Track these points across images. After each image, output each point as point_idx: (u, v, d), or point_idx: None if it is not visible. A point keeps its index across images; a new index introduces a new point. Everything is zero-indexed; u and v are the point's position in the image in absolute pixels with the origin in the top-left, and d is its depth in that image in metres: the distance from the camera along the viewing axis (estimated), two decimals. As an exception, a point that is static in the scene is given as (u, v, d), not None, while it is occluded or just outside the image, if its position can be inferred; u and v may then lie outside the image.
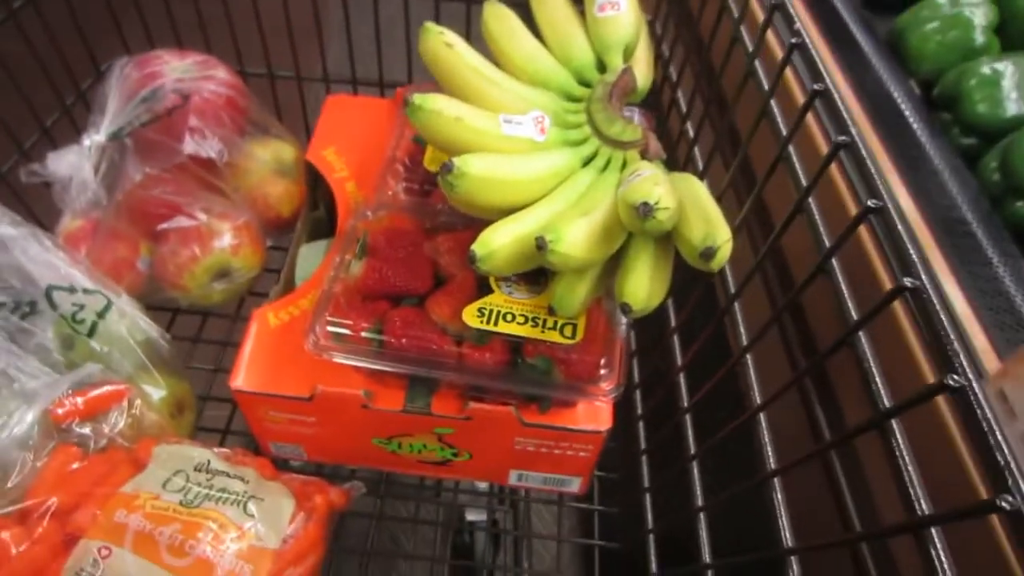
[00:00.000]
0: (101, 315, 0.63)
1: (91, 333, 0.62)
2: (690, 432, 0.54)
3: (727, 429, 0.44)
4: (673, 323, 0.60)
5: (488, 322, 0.52)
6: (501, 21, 0.59)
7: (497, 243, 0.47)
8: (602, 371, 0.52)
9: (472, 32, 0.65)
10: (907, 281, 0.28)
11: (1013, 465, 0.21)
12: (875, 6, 0.81)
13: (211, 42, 0.77)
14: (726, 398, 0.47)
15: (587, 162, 0.53)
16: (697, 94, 0.64)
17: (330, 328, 0.53)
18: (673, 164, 0.60)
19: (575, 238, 0.44)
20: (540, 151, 0.51)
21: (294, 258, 0.69)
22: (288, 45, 0.77)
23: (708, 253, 0.43)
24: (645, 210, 0.41)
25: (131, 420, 0.60)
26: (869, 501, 0.37)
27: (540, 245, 0.44)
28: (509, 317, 0.53)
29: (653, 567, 0.59)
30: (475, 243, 0.47)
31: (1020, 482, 0.21)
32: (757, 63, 0.50)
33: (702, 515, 0.49)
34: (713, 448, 0.49)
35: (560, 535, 0.72)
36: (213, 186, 0.72)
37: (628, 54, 0.57)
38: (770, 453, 0.41)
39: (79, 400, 0.57)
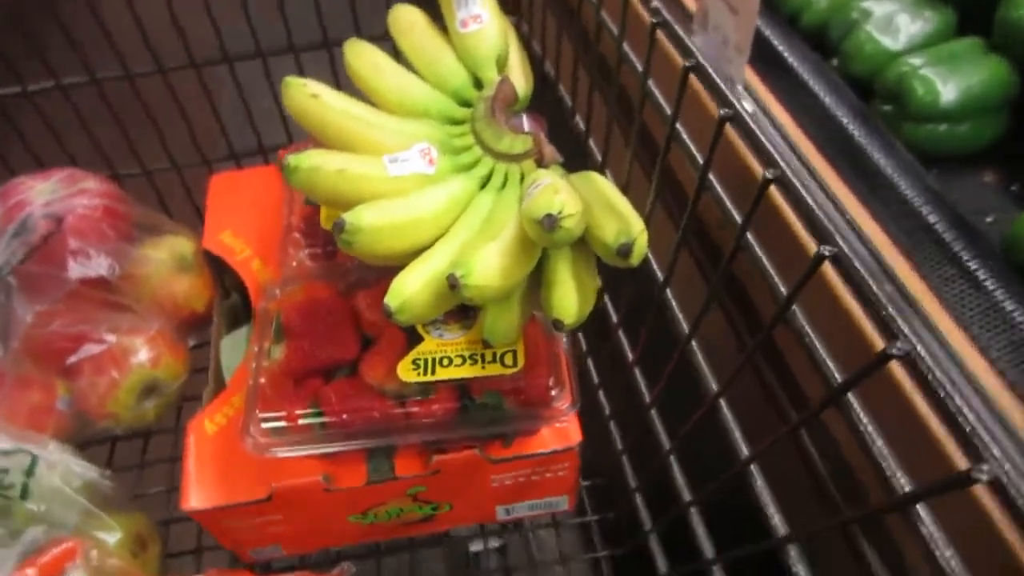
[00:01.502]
0: (29, 473, 0.59)
1: (24, 495, 0.58)
2: (660, 427, 0.52)
3: (691, 422, 0.42)
4: (615, 319, 0.58)
5: (426, 372, 0.49)
6: (363, 58, 0.56)
7: (409, 290, 0.44)
8: (553, 392, 0.50)
9: (341, 79, 0.63)
10: (825, 249, 0.26)
11: (980, 429, 0.19)
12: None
13: (72, 151, 0.73)
14: (688, 384, 0.45)
15: (484, 183, 0.50)
16: (583, 83, 0.63)
17: (265, 424, 0.50)
18: (582, 160, 0.58)
19: (487, 267, 0.42)
20: (433, 183, 0.49)
21: (218, 354, 0.65)
22: (156, 135, 0.73)
23: (624, 250, 0.41)
24: (550, 223, 0.39)
25: (93, 571, 0.56)
26: (850, 474, 0.35)
27: (452, 283, 0.41)
28: (446, 362, 0.50)
29: (662, 568, 0.56)
30: (387, 295, 0.44)
31: (991, 447, 0.19)
32: (626, 46, 0.48)
33: (693, 510, 0.47)
34: (689, 436, 0.47)
35: (563, 555, 0.70)
36: (114, 303, 0.68)
37: (502, 64, 0.55)
38: (739, 438, 0.39)
39: (29, 572, 0.53)
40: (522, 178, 0.50)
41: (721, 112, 0.35)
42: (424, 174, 0.49)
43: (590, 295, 0.46)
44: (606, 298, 0.60)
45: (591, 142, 0.57)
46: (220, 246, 0.68)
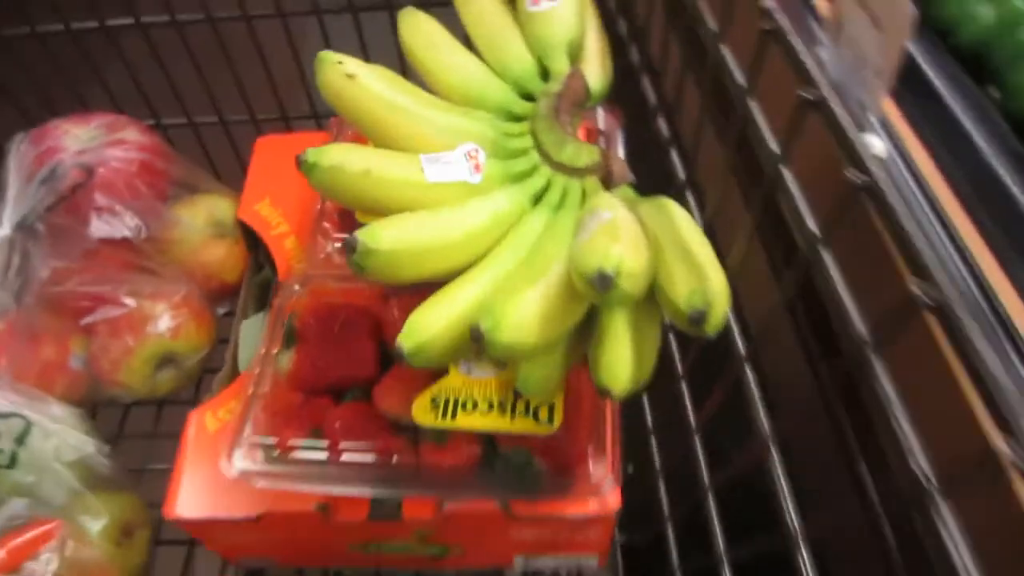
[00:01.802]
0: (20, 441, 0.55)
1: (12, 464, 0.54)
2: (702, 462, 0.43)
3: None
4: (679, 367, 0.49)
5: (444, 416, 0.42)
6: (418, 32, 0.48)
7: (428, 332, 0.36)
8: (592, 461, 0.42)
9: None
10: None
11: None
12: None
13: (119, 99, 0.68)
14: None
15: (538, 199, 0.42)
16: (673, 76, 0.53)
17: (251, 446, 0.43)
18: (660, 171, 0.49)
19: (521, 319, 0.34)
20: (477, 195, 0.41)
21: (237, 336, 0.60)
22: (203, 86, 0.67)
23: (697, 316, 0.32)
24: (603, 283, 0.30)
25: (66, 562, 0.52)
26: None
27: (475, 336, 0.33)
28: (470, 405, 0.43)
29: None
30: (401, 333, 0.37)
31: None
32: (728, 51, 0.39)
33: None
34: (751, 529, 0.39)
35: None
36: (138, 265, 0.63)
37: (574, 53, 0.46)
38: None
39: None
40: (583, 199, 0.41)
41: (848, 177, 0.26)
42: (467, 183, 0.41)
43: (649, 357, 0.38)
44: (671, 336, 0.51)
45: (674, 154, 0.48)
46: (255, 217, 0.62)
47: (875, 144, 0.30)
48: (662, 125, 0.49)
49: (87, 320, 0.62)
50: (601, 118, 0.54)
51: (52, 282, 0.60)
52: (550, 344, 0.36)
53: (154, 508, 0.60)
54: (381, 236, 0.36)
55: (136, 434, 0.68)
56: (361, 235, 0.36)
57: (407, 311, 0.46)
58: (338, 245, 0.52)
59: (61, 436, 0.56)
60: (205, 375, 0.70)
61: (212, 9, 0.62)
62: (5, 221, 0.61)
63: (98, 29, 0.62)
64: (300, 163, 0.39)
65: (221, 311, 0.70)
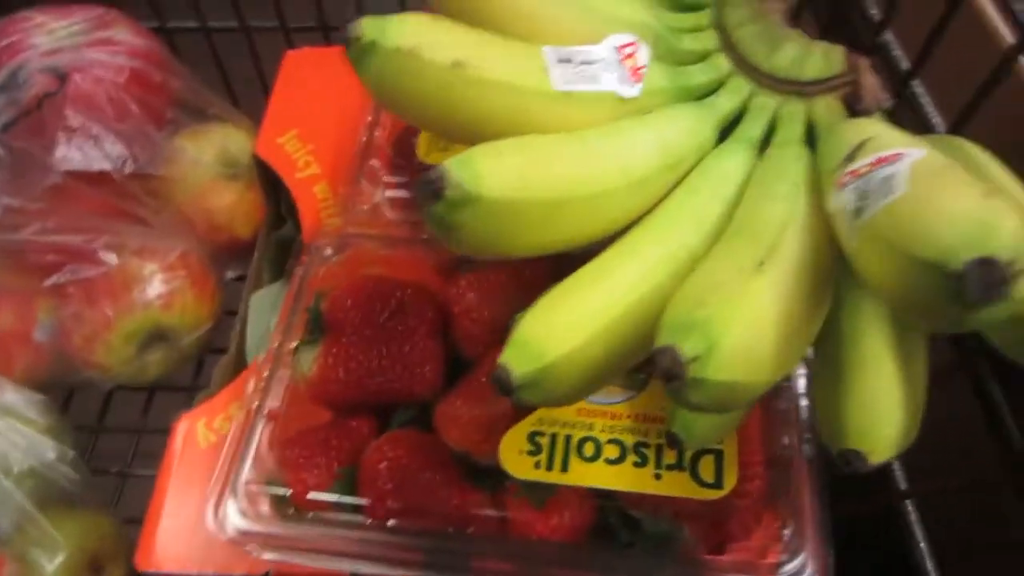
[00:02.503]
0: (-48, 445, 0.41)
1: (-64, 477, 0.40)
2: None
3: None
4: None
5: (552, 465, 0.27)
6: None
7: (556, 350, 0.21)
8: (785, 551, 0.26)
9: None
10: None
11: None
12: None
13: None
14: None
15: (727, 130, 0.26)
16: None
17: (255, 489, 0.28)
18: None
19: (753, 340, 0.18)
20: (635, 117, 0.24)
21: (246, 315, 0.45)
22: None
23: None
24: (985, 281, 0.14)
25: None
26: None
27: (668, 371, 0.17)
28: (590, 449, 0.27)
29: None
30: (506, 351, 0.21)
31: None
32: None
33: None
34: None
35: None
36: (121, 210, 0.48)
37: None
38: None
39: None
40: (809, 133, 0.25)
41: None
42: (618, 96, 0.25)
43: (920, 401, 0.22)
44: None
45: (920, 92, 0.31)
46: (277, 153, 0.47)
47: None
48: (891, 40, 0.32)
49: (54, 280, 0.47)
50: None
51: (5, 227, 0.45)
52: (773, 382, 0.20)
53: (134, 526, 0.45)
54: (486, 173, 0.20)
55: (119, 427, 0.54)
56: (453, 169, 0.20)
57: (493, 296, 0.31)
58: (389, 194, 0.36)
59: (9, 436, 0.42)
60: (209, 356, 0.55)
61: None
62: (-49, 140, 0.46)
63: None
64: (349, 43, 0.23)
65: (230, 275, 0.55)
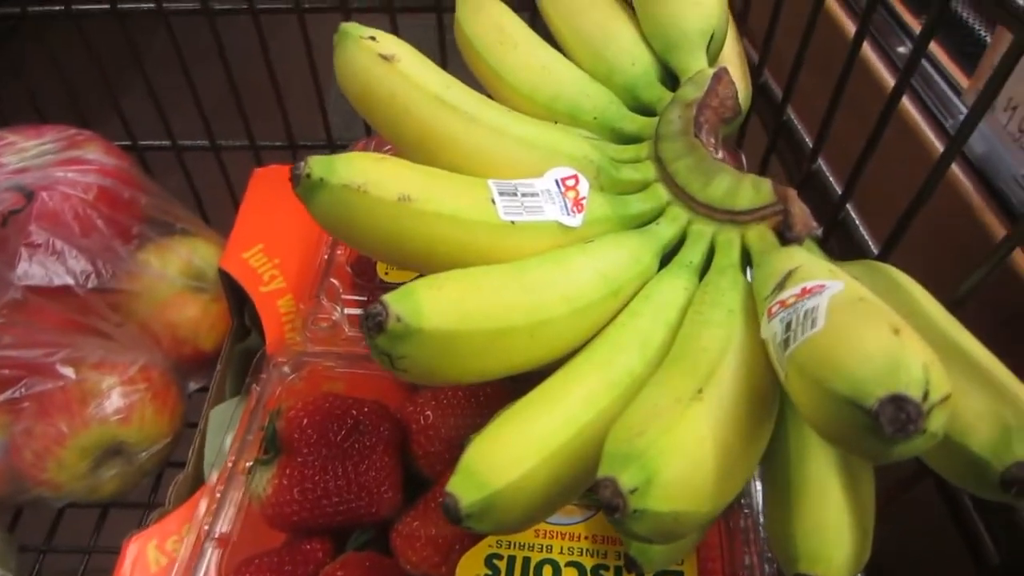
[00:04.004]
0: None
1: None
2: None
3: None
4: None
5: (507, 593, 0.26)
6: (484, 19, 0.34)
7: (503, 478, 0.21)
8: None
9: (450, 54, 0.41)
10: None
11: None
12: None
13: (91, 118, 0.54)
14: None
15: (668, 256, 0.27)
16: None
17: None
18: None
19: (690, 470, 0.18)
20: (577, 246, 0.26)
21: (205, 428, 0.44)
22: (194, 106, 0.53)
23: (1015, 476, 0.17)
24: (897, 419, 0.15)
25: None
26: None
27: (609, 502, 0.18)
28: (549, 572, 0.27)
29: None
30: (453, 479, 0.21)
31: None
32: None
33: None
34: None
35: None
36: (83, 325, 0.48)
37: (716, 49, 0.32)
38: None
39: None
40: (746, 259, 0.26)
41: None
42: (561, 225, 0.26)
43: (870, 521, 0.22)
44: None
45: (852, 212, 0.33)
46: (242, 267, 0.47)
47: None
48: (822, 168, 0.34)
49: (7, 395, 0.46)
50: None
51: (-37, 340, 0.45)
52: (716, 511, 0.20)
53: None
54: (427, 306, 0.21)
55: (69, 547, 0.52)
56: (393, 302, 0.20)
57: (451, 414, 0.31)
58: (349, 312, 0.36)
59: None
60: (168, 469, 0.53)
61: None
62: (-85, 256, 0.47)
63: (63, 13, 0.48)
64: (297, 179, 0.24)
65: (194, 386, 0.55)
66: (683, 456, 0.18)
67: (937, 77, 0.44)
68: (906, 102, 0.40)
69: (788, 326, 0.19)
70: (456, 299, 0.21)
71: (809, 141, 0.35)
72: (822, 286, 0.19)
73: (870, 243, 0.31)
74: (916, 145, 0.43)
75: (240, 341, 0.50)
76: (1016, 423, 0.18)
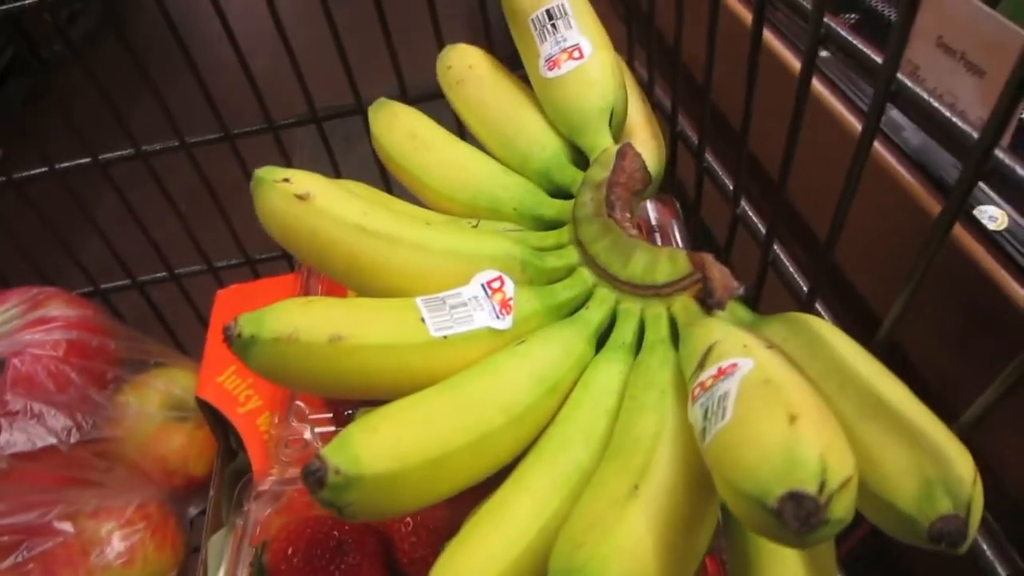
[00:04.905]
0: None
1: None
2: None
3: None
4: None
5: None
6: (395, 127, 0.35)
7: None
8: None
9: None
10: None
11: None
12: None
13: (47, 270, 0.55)
14: None
15: (602, 338, 0.28)
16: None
17: None
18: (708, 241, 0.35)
19: (636, 566, 0.19)
20: (508, 352, 0.26)
21: (206, 557, 0.45)
22: (142, 235, 0.54)
23: (944, 529, 0.18)
24: (803, 513, 0.16)
25: None
26: None
27: None
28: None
29: None
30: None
31: None
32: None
33: None
34: None
35: None
36: (72, 478, 0.48)
37: (618, 123, 0.33)
38: None
39: None
40: (672, 329, 0.27)
41: None
42: (492, 330, 0.27)
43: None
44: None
45: (779, 253, 0.33)
46: (218, 392, 0.48)
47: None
48: (748, 212, 0.35)
49: (10, 562, 0.46)
50: (651, 211, 0.40)
51: (-44, 518, 0.45)
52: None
53: None
54: (364, 453, 0.21)
55: None
56: (330, 455, 0.21)
57: (432, 515, 0.32)
58: (320, 430, 0.37)
59: None
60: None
61: (143, 139, 0.49)
62: None
63: (47, 174, 0.49)
64: (230, 340, 0.25)
65: (194, 511, 0.55)
66: (624, 561, 0.19)
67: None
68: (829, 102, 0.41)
69: (705, 414, 0.19)
70: (392, 439, 0.22)
71: (729, 184, 0.37)
72: (734, 366, 0.20)
73: (800, 282, 0.32)
74: (842, 139, 0.44)
75: (230, 462, 0.51)
76: (936, 475, 0.18)
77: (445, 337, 0.26)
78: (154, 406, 0.52)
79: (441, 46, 0.39)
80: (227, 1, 0.44)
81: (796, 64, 0.46)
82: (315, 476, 0.21)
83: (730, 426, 0.18)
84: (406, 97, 0.44)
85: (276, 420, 0.41)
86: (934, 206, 0.36)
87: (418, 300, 0.27)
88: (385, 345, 0.25)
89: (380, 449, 0.21)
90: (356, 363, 0.25)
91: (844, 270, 0.38)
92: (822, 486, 0.16)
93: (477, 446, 0.23)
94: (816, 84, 0.34)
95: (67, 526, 0.47)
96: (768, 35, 0.42)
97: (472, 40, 0.39)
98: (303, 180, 0.30)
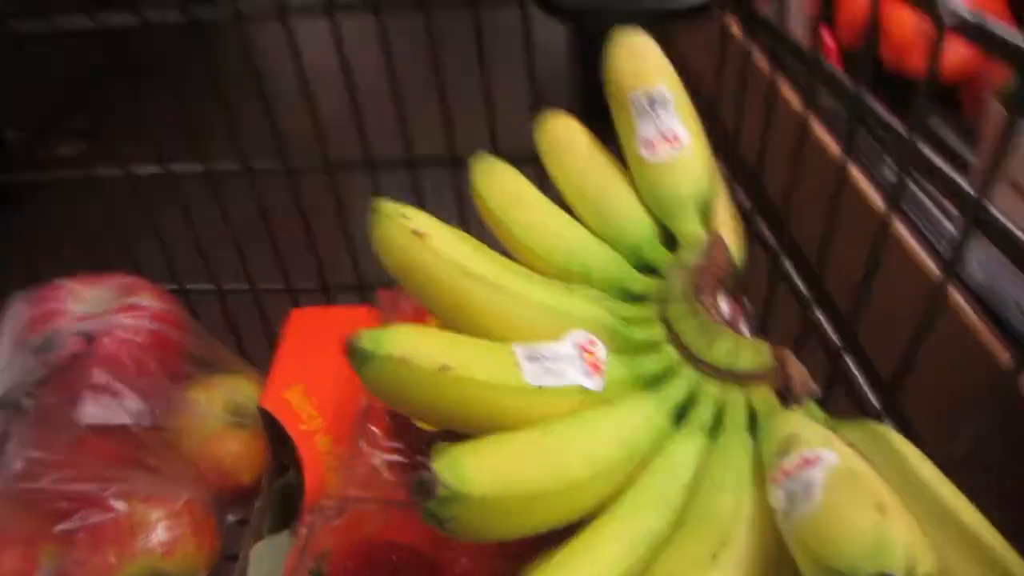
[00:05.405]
0: None
1: None
2: None
3: None
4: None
5: None
6: (497, 183, 0.38)
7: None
8: None
9: (468, 211, 0.45)
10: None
11: None
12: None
13: (144, 262, 0.59)
14: None
15: (680, 416, 0.30)
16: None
17: None
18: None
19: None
20: (596, 410, 0.29)
21: (245, 566, 0.46)
22: (234, 248, 0.58)
23: None
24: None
25: None
26: None
27: None
28: None
29: None
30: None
31: None
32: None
33: None
34: None
35: None
36: (134, 459, 0.51)
37: (707, 212, 0.36)
38: None
39: None
40: (751, 418, 0.29)
41: None
42: (583, 389, 0.29)
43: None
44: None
45: (849, 362, 0.36)
46: (283, 406, 0.50)
47: None
48: (819, 318, 0.37)
49: (63, 526, 0.49)
50: (724, 306, 0.43)
51: (26, 476, 0.48)
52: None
53: None
54: (473, 474, 0.24)
55: None
56: (442, 471, 0.24)
57: (484, 560, 0.34)
58: (387, 458, 0.39)
59: None
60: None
61: (250, 159, 0.54)
62: (-16, 397, 0.51)
63: (122, 179, 0.54)
64: (351, 351, 0.28)
65: (231, 519, 0.57)
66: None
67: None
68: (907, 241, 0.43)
69: (789, 497, 0.21)
70: (496, 466, 0.24)
71: (804, 289, 0.39)
72: (818, 457, 0.22)
73: (871, 397, 0.33)
74: (916, 276, 0.46)
75: (278, 477, 0.53)
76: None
77: (540, 387, 0.28)
78: (218, 407, 0.55)
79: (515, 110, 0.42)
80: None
81: (875, 196, 0.48)
82: (425, 487, 0.23)
83: (818, 509, 0.20)
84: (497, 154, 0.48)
85: (344, 437, 0.44)
86: (996, 345, 0.38)
87: (515, 347, 0.29)
88: (486, 383, 0.28)
89: (486, 473, 0.24)
90: (457, 394, 0.28)
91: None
92: (909, 571, 0.18)
93: (563, 492, 0.25)
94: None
95: (121, 505, 0.49)
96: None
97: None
98: (420, 218, 0.33)
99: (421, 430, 0.39)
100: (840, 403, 0.34)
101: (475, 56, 0.47)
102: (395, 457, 0.39)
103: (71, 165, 0.57)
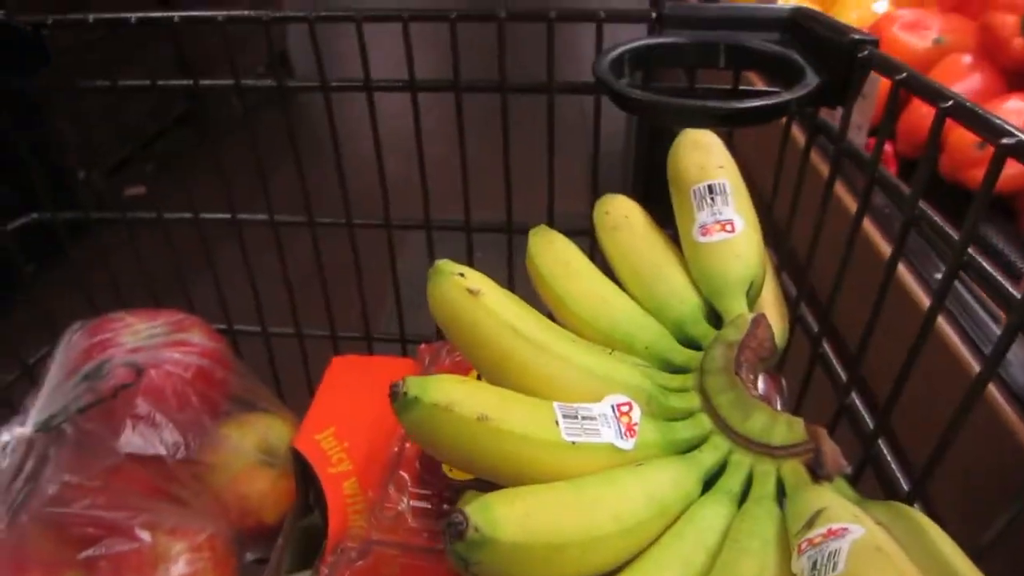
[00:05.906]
0: None
1: None
2: None
3: None
4: None
5: None
6: (551, 251, 0.40)
7: None
8: None
9: (518, 277, 0.47)
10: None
11: None
12: None
13: (197, 302, 0.61)
14: None
15: (710, 481, 0.30)
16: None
17: None
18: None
19: None
20: (626, 469, 0.29)
21: (263, 605, 0.47)
22: (287, 295, 0.60)
23: None
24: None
25: None
26: None
27: None
28: None
29: None
30: None
31: None
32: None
33: None
34: None
35: None
36: (164, 491, 0.52)
37: (754, 295, 0.37)
38: None
39: None
40: (780, 489, 0.29)
41: None
42: (615, 448, 0.30)
43: None
44: None
45: (884, 448, 0.36)
46: (314, 448, 0.51)
47: None
48: (855, 400, 0.38)
49: (88, 553, 0.50)
50: (760, 384, 0.43)
51: (58, 501, 0.49)
52: None
53: None
54: (503, 520, 0.24)
55: None
56: (474, 514, 0.24)
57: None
58: (414, 504, 0.40)
59: None
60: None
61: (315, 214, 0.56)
62: (30, 419, 0.52)
63: (190, 221, 0.57)
64: (395, 395, 0.29)
65: (250, 557, 0.57)
66: None
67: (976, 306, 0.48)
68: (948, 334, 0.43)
69: (814, 565, 0.22)
70: (525, 514, 0.25)
71: (843, 374, 0.39)
72: (845, 530, 0.22)
73: (901, 481, 0.33)
74: (955, 369, 0.46)
75: (301, 518, 0.53)
76: None
77: (574, 443, 0.29)
78: (250, 445, 0.56)
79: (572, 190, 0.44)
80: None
81: (919, 291, 0.49)
82: (456, 529, 0.24)
83: (841, 577, 0.20)
84: (553, 225, 0.50)
85: (372, 482, 0.44)
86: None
87: (555, 405, 0.30)
88: (523, 436, 0.28)
89: (516, 520, 0.24)
90: (495, 444, 0.28)
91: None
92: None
93: (589, 545, 0.26)
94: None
95: (146, 535, 0.50)
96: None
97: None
98: (475, 278, 0.34)
99: (450, 479, 0.39)
100: (869, 486, 0.34)
101: (536, 135, 0.50)
102: (422, 503, 0.39)
103: (137, 207, 0.61)
